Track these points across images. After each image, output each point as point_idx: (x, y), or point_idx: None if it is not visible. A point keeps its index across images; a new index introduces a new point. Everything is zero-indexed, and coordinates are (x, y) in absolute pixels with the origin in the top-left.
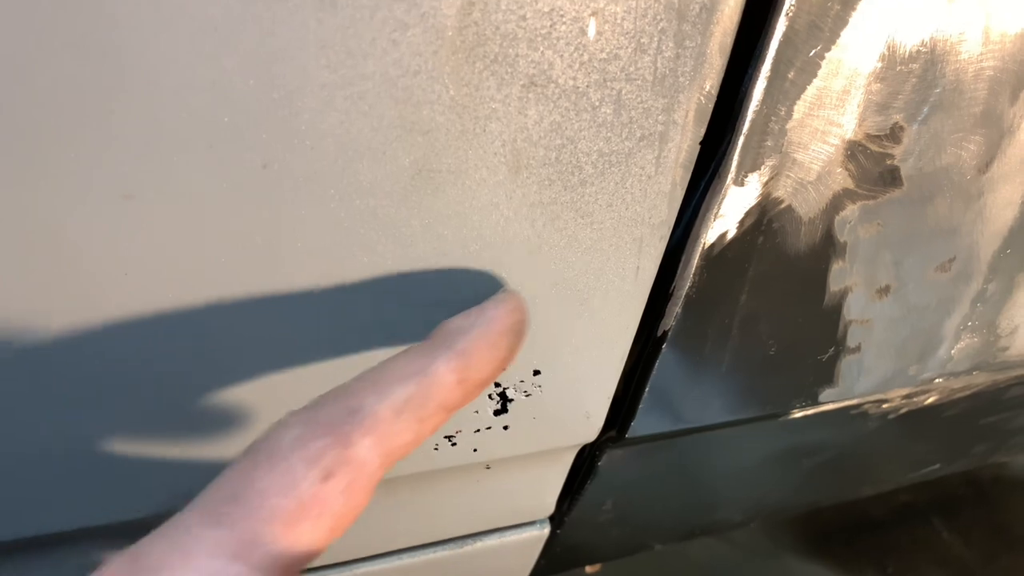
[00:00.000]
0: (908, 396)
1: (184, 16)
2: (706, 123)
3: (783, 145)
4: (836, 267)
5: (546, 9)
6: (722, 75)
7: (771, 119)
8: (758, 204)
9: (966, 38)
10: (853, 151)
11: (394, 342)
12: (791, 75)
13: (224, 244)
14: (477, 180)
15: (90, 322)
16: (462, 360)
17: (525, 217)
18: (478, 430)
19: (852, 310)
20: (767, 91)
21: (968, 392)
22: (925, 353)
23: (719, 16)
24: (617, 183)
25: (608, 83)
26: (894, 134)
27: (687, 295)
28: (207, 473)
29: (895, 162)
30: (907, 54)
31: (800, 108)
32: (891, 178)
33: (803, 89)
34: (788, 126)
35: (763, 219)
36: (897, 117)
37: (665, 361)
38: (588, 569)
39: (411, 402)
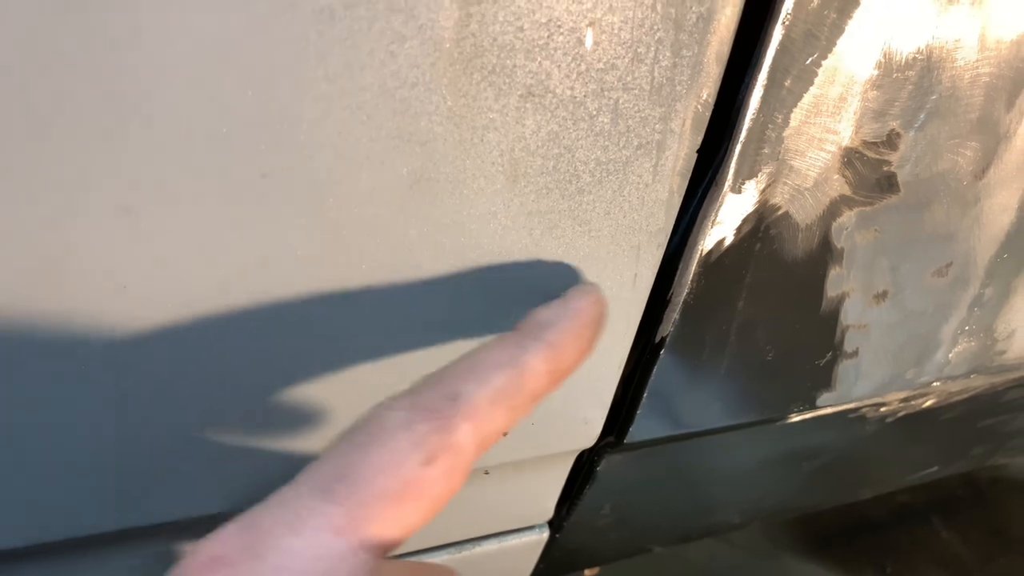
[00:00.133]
0: (906, 400)
1: (183, 28)
2: (703, 131)
3: (780, 152)
4: (833, 273)
5: (543, 20)
6: (719, 84)
7: (768, 127)
8: (755, 211)
9: (962, 45)
10: (850, 158)
11: (396, 344)
12: (788, 83)
13: (222, 255)
14: (475, 189)
15: (87, 333)
16: (552, 351)
17: (523, 226)
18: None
19: (849, 315)
20: (764, 99)
21: (966, 395)
22: (922, 357)
23: (715, 25)
24: (615, 191)
25: (605, 92)
26: (891, 141)
27: (685, 302)
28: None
29: (892, 168)
30: (903, 61)
31: (797, 116)
32: (888, 184)
33: (800, 97)
34: (785, 134)
35: (760, 226)
36: (894, 124)
37: (663, 367)
38: (587, 572)
39: (506, 390)
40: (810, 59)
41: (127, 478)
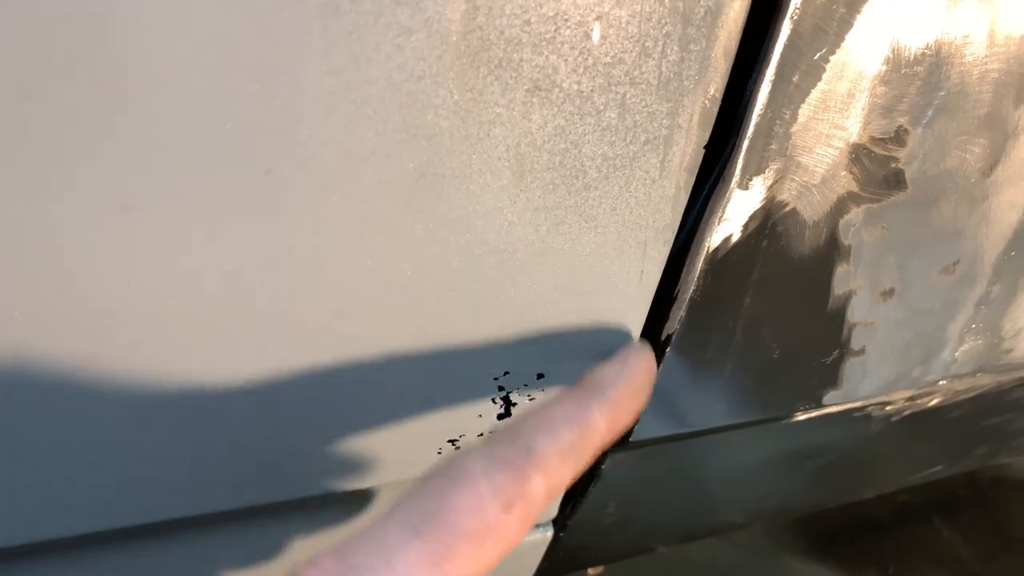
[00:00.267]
0: (912, 398)
1: (186, 23)
2: (710, 127)
3: (787, 149)
4: (840, 270)
5: (550, 14)
6: (726, 79)
7: (775, 123)
8: (762, 208)
9: (971, 41)
10: (857, 154)
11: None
12: (795, 79)
13: (226, 251)
14: (481, 184)
15: (90, 332)
16: (612, 409)
17: (529, 221)
18: (482, 433)
19: (856, 313)
20: (771, 95)
21: (971, 394)
22: (929, 355)
23: (723, 20)
24: (621, 187)
25: (612, 87)
26: (899, 137)
27: (691, 299)
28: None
29: (899, 165)
30: (912, 57)
31: (804, 112)
32: (895, 181)
33: (807, 93)
34: (792, 130)
35: (767, 223)
36: (902, 120)
37: (669, 365)
38: (591, 571)
39: (574, 445)
40: (818, 54)
41: (132, 477)
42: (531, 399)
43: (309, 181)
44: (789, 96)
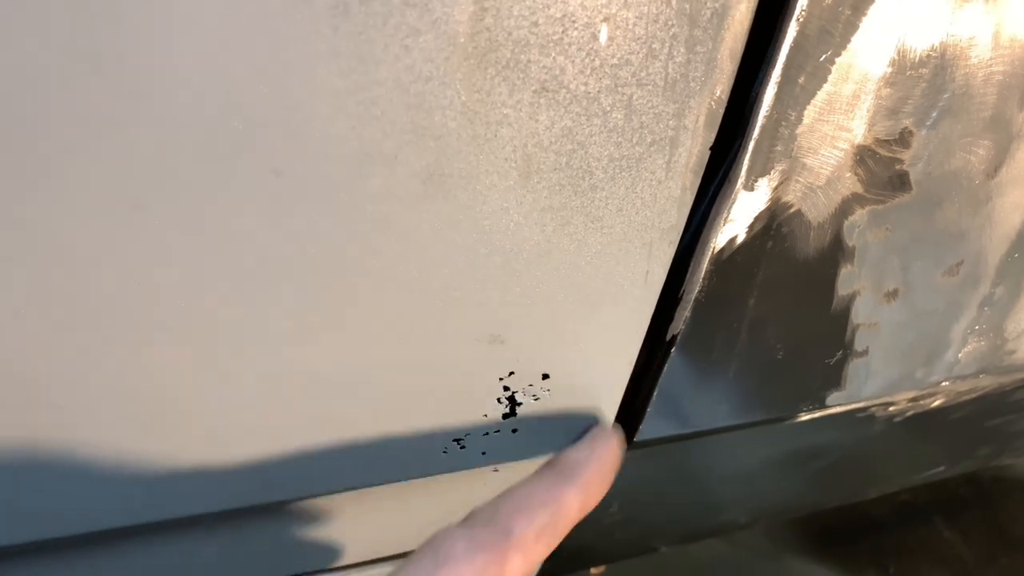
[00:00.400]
0: (914, 399)
1: (196, 23)
2: (716, 128)
3: (793, 150)
4: (844, 271)
5: (558, 15)
6: (733, 80)
7: (781, 124)
8: (767, 209)
9: (976, 43)
10: (862, 156)
11: (396, 341)
12: (801, 80)
13: (234, 251)
14: (488, 185)
15: (98, 331)
16: (584, 491)
17: (535, 222)
18: (487, 433)
19: (860, 314)
20: (777, 96)
21: (974, 395)
22: (932, 357)
23: (730, 21)
24: (627, 188)
25: (619, 88)
26: (903, 139)
27: (696, 299)
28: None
29: (904, 167)
30: (917, 59)
31: (810, 113)
32: (900, 183)
33: (813, 94)
34: (798, 131)
35: (772, 223)
36: (907, 122)
37: (674, 365)
38: (593, 571)
39: (548, 526)
40: (824, 56)
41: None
42: (536, 399)
43: (317, 181)
44: (795, 98)
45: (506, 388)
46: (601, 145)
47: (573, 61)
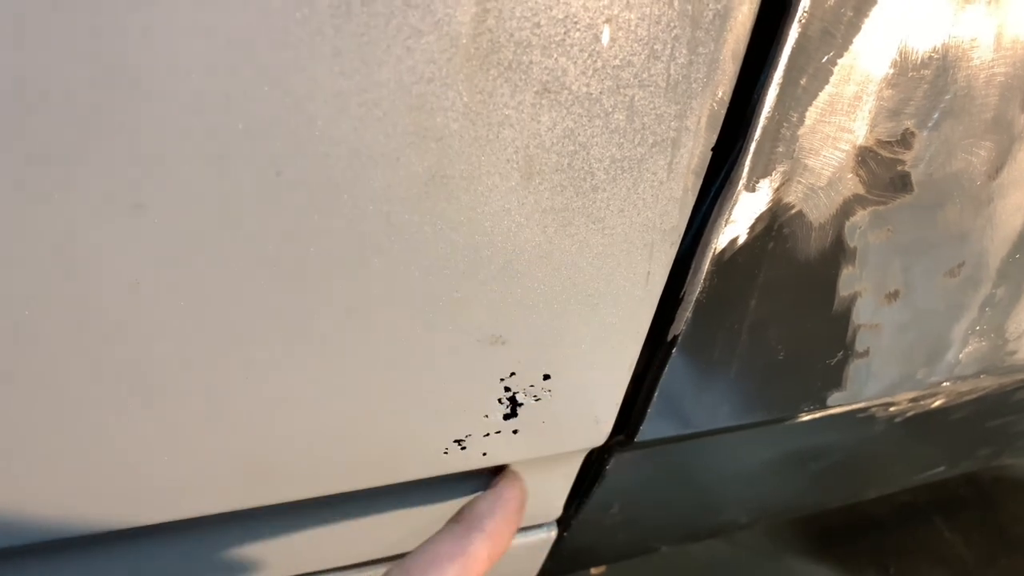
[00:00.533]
0: (915, 400)
1: (198, 24)
2: (718, 129)
3: (795, 151)
4: (846, 272)
5: (560, 16)
6: (735, 81)
7: (783, 125)
8: (769, 210)
9: (978, 44)
10: (864, 157)
11: (398, 342)
12: (803, 81)
13: (235, 250)
14: (489, 186)
15: (99, 331)
16: (491, 540)
17: (537, 223)
18: (488, 434)
19: (861, 315)
20: (779, 97)
21: (974, 396)
22: (933, 357)
23: (732, 23)
24: (629, 189)
25: (621, 89)
26: (905, 140)
27: (697, 300)
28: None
29: (906, 168)
30: (919, 60)
31: (812, 114)
32: (902, 184)
33: (815, 95)
34: (800, 132)
35: (774, 225)
36: (908, 123)
37: (675, 366)
38: (593, 571)
39: None
40: (826, 57)
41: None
42: (537, 400)
43: (319, 182)
44: (796, 99)
45: (507, 389)
46: (603, 146)
47: (575, 62)
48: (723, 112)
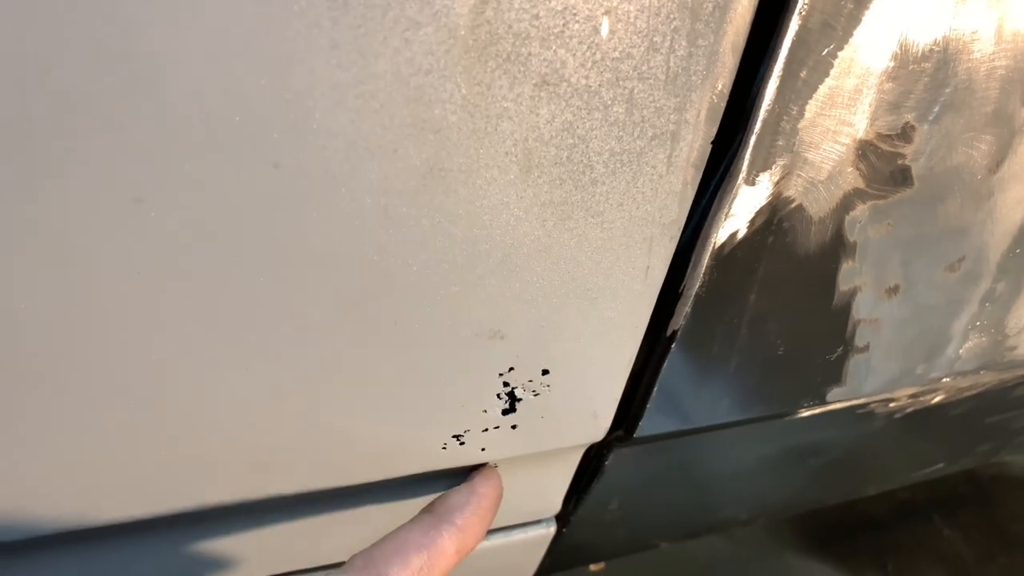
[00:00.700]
0: (915, 395)
1: (195, 17)
2: (718, 122)
3: (794, 144)
4: (846, 267)
5: (559, 8)
6: (734, 74)
7: (783, 118)
8: (769, 203)
9: (979, 37)
10: (864, 150)
11: (396, 336)
12: (803, 74)
13: (232, 243)
14: (488, 179)
15: (98, 322)
16: (461, 534)
17: (536, 216)
18: (486, 429)
19: (861, 310)
20: (779, 90)
21: (974, 391)
22: (933, 352)
23: (732, 15)
24: (628, 182)
25: (620, 82)
26: (905, 133)
27: (697, 295)
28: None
29: (906, 162)
30: (919, 53)
31: (812, 107)
32: (902, 178)
33: (815, 88)
34: (800, 125)
35: (773, 218)
36: (909, 116)
37: (674, 361)
38: (592, 567)
39: (423, 569)
40: (826, 50)
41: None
42: (535, 395)
43: (316, 175)
44: (796, 92)
45: (506, 384)
46: (602, 139)
47: (574, 54)
48: (723, 105)
